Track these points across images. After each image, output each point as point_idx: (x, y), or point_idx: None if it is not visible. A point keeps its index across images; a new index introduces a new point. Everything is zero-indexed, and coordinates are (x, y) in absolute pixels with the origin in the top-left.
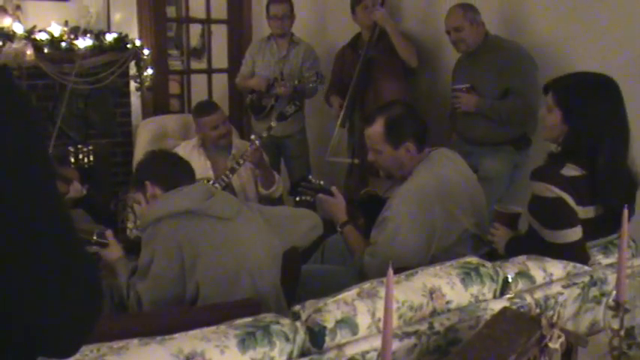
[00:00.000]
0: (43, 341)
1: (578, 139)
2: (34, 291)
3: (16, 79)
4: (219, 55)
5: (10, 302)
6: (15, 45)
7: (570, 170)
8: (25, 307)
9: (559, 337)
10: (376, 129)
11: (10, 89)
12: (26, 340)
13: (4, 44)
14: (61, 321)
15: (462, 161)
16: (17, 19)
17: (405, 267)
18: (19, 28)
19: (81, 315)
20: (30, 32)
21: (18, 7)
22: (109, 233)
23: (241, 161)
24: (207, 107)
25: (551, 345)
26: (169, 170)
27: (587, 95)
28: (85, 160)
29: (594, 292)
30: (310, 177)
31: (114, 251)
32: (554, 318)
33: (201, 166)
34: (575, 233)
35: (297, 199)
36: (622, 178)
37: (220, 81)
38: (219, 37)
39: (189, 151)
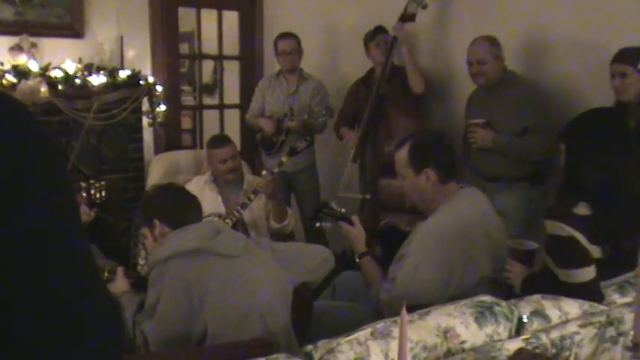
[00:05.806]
0: None
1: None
2: (56, 331)
3: (34, 115)
4: (231, 91)
5: (29, 342)
6: (30, 82)
7: (582, 209)
8: (46, 347)
9: None
10: (402, 153)
11: (31, 127)
12: None
13: (19, 81)
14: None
15: (488, 202)
16: (32, 56)
17: (422, 305)
18: (34, 66)
19: (104, 352)
20: (45, 69)
21: (33, 45)
22: (119, 270)
23: (252, 196)
24: (218, 140)
25: None
26: (177, 208)
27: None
28: (98, 195)
29: (611, 331)
30: (332, 203)
31: (120, 285)
32: (571, 358)
33: (212, 201)
34: (588, 272)
35: (318, 224)
36: (618, 206)
37: (232, 116)
38: (232, 73)
39: (201, 186)
